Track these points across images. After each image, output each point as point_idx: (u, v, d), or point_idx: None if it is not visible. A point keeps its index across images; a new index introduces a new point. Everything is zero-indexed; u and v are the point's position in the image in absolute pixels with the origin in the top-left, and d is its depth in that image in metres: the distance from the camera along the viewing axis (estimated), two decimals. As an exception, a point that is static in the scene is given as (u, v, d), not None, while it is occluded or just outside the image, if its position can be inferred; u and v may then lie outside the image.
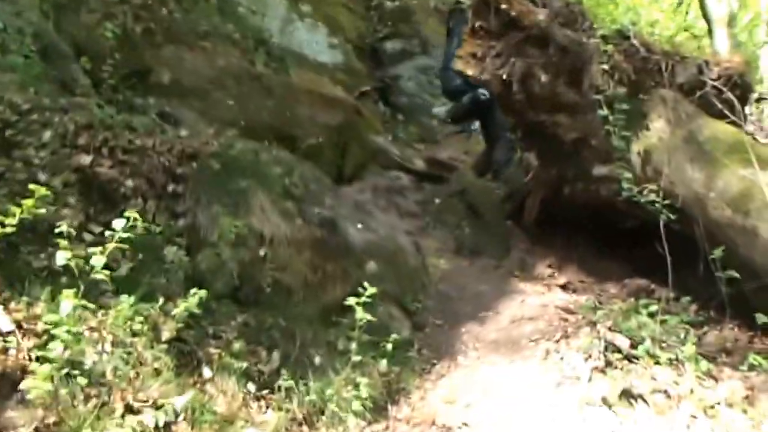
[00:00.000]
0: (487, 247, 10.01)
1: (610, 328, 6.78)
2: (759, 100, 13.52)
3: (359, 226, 7.34)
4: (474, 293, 8.49)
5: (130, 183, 6.41)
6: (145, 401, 4.85)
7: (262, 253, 6.26)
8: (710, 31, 16.14)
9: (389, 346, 6.19)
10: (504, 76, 9.23)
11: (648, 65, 8.74)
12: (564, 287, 9.49)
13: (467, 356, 7.02)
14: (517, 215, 10.70)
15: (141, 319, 5.22)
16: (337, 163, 12.18)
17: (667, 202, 7.80)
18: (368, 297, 5.68)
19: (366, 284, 5.96)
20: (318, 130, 11.74)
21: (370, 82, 14.95)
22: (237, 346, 5.60)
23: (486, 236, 10.11)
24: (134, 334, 5.20)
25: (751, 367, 6.40)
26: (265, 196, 6.58)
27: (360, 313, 5.61)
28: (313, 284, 6.55)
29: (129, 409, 4.70)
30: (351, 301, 5.66)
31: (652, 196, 7.93)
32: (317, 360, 5.97)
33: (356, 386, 5.77)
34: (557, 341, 7.02)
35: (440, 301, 8.05)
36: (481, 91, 11.15)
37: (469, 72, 9.38)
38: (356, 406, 5.61)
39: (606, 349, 6.58)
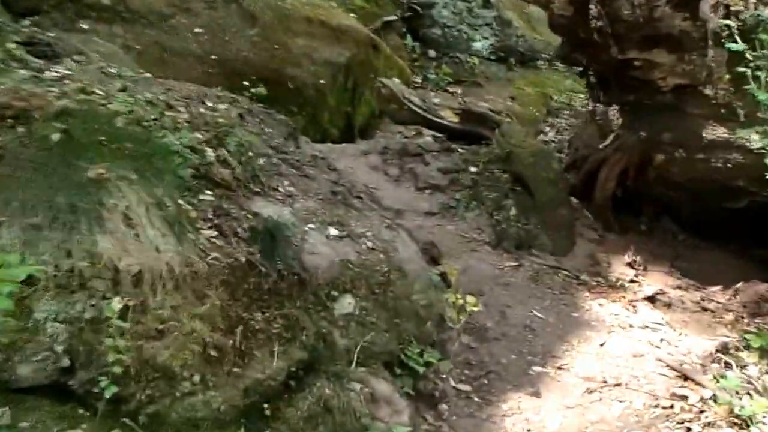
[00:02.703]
0: (541, 238, 6.80)
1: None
2: None
3: (332, 231, 4.11)
4: (523, 324, 5.30)
5: None
6: None
7: (116, 305, 3.04)
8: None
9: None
10: (577, -8, 6.03)
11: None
12: (653, 300, 6.25)
13: (510, 474, 3.82)
14: (585, 191, 7.48)
15: None
16: (345, 112, 8.93)
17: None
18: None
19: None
20: (318, 69, 8.57)
21: (395, 10, 11.47)
22: None
23: (540, 221, 6.90)
24: None
25: None
26: (137, 191, 3.37)
27: None
28: (222, 356, 3.35)
29: None
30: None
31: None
32: None
33: None
34: (674, 451, 3.78)
35: (469, 343, 4.84)
36: None
37: (524, -15, 6.08)
38: None
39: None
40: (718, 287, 6.81)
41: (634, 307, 6.05)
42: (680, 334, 5.39)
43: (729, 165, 6.28)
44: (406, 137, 8.05)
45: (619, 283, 6.48)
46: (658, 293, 6.46)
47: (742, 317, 6.43)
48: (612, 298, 6.11)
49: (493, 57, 11.97)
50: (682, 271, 7.08)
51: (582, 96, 11.65)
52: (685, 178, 7.02)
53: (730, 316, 6.44)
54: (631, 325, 5.47)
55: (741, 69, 5.22)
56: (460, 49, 11.82)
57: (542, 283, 6.02)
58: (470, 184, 7.08)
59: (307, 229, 3.96)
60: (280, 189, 4.20)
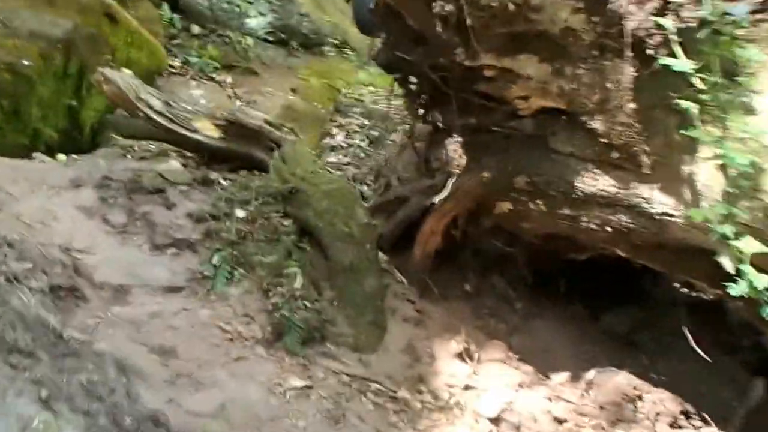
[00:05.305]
0: (339, 323, 4.50)
1: None
2: None
3: None
4: None
5: None
6: None
7: None
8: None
9: None
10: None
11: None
12: (498, 421, 4.17)
13: None
14: (399, 245, 5.23)
15: None
16: (68, 106, 6.26)
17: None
18: None
19: None
20: (20, 44, 5.82)
21: (147, -31, 8.62)
22: None
23: (337, 295, 4.63)
24: None
25: None
26: None
27: None
28: None
29: None
30: None
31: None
32: None
33: None
34: None
35: None
36: None
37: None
38: None
39: None
40: (566, 376, 4.96)
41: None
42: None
43: (609, 228, 4.15)
44: (143, 158, 5.30)
45: (452, 400, 4.30)
46: (503, 411, 4.35)
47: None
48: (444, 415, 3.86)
49: (271, 38, 9.42)
50: (521, 353, 5.08)
51: (375, 90, 9.51)
52: (535, 235, 4.89)
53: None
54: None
55: (683, 103, 2.96)
56: (231, 26, 9.17)
57: (346, 423, 3.59)
58: (236, 239, 4.55)
59: None
60: None
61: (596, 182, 4.08)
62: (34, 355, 2.28)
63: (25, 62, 5.68)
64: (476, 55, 3.89)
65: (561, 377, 4.93)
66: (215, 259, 4.42)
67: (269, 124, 5.39)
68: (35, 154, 5.42)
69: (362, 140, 8.02)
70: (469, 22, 3.60)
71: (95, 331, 3.26)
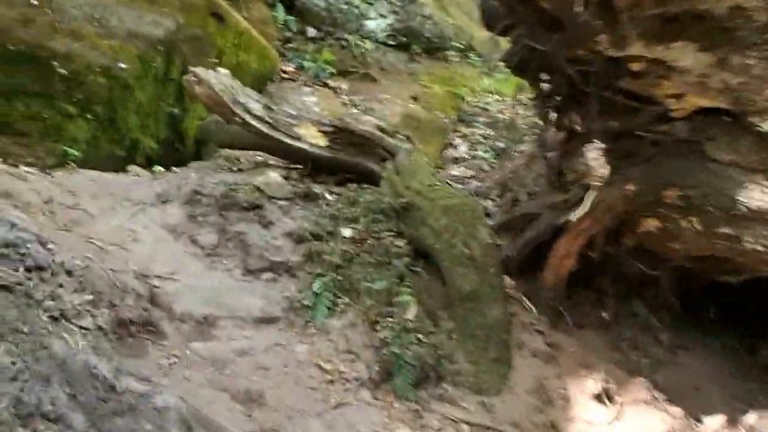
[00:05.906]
0: (458, 359, 4.01)
1: None
2: None
3: None
4: None
5: None
6: None
7: None
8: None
9: None
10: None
11: None
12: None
13: None
14: (527, 268, 4.72)
15: None
16: (169, 114, 6.01)
17: None
18: None
19: None
20: (117, 45, 5.52)
21: (262, -32, 8.54)
22: None
23: (456, 327, 4.12)
24: None
25: None
26: None
27: None
28: None
29: None
30: None
31: None
32: None
33: None
34: None
35: None
36: None
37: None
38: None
39: None
40: (721, 419, 4.48)
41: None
42: None
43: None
44: (240, 170, 4.88)
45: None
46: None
47: None
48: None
49: (391, 42, 9.02)
50: (667, 393, 4.56)
51: (501, 98, 9.00)
52: (687, 256, 4.26)
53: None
54: None
55: None
56: (349, 28, 8.81)
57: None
58: (340, 262, 4.07)
59: None
60: None
61: (764, 196, 3.47)
62: (64, 419, 1.84)
63: (123, 65, 5.42)
64: (623, 43, 3.31)
65: (715, 421, 4.46)
66: (316, 286, 3.95)
67: (382, 130, 4.90)
68: (130, 167, 5.10)
69: (486, 152, 7.62)
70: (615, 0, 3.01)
71: (169, 373, 2.82)
